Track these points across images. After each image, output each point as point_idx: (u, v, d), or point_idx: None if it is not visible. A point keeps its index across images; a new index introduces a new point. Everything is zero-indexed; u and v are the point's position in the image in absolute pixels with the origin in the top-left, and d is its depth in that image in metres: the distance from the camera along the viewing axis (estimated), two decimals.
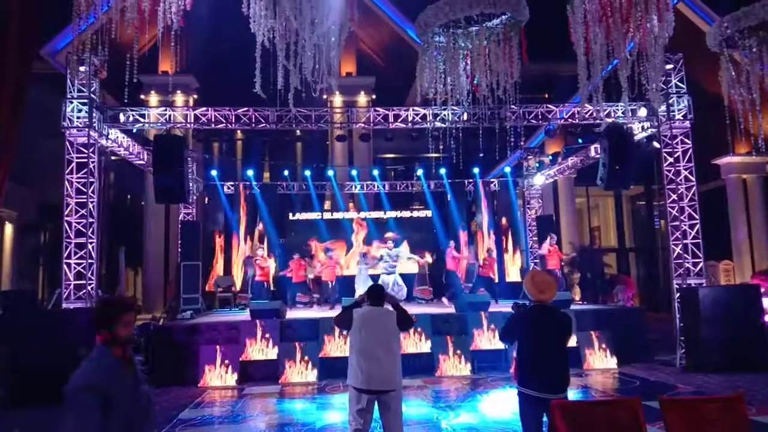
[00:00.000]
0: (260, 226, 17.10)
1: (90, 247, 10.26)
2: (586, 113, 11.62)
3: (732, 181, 20.65)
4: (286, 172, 17.90)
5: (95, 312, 2.76)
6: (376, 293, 5.16)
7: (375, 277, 13.77)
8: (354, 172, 17.83)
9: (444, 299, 14.01)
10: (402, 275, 13.77)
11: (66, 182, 10.40)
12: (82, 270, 10.19)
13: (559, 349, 4.21)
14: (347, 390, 5.02)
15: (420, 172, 17.81)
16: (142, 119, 11.24)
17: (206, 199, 17.59)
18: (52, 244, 21.52)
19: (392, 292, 12.03)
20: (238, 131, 19.45)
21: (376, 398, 4.83)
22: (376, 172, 17.76)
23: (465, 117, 10.84)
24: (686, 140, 11.39)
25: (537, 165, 16.53)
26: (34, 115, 15.37)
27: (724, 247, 20.07)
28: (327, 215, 18.00)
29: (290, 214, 17.77)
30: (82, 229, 10.27)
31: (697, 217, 11.20)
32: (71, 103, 10.42)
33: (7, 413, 8.41)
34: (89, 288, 10.13)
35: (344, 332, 5.77)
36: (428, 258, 14.81)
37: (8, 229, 23.48)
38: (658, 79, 7.13)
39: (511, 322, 4.47)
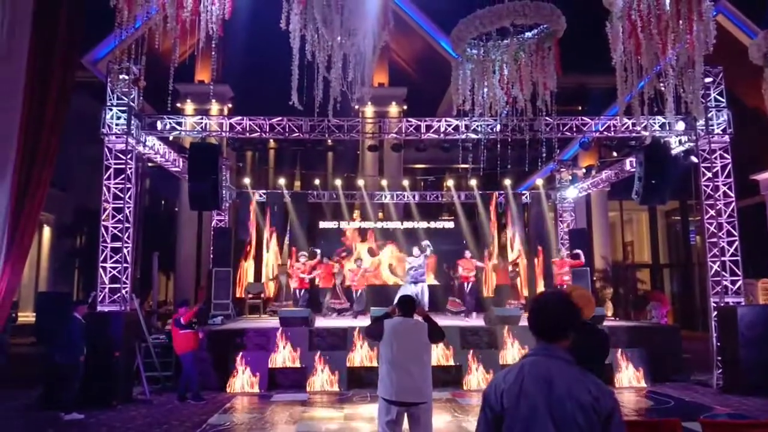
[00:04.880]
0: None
1: (125, 251, 10.45)
2: (622, 126, 11.44)
3: None
4: (317, 181, 18.03)
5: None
6: (407, 304, 5.14)
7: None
8: (384, 182, 17.85)
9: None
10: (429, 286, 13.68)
11: (104, 187, 10.62)
12: (117, 274, 10.38)
13: (597, 367, 4.12)
14: (375, 400, 5.00)
15: (450, 182, 17.74)
16: (178, 127, 11.45)
17: (238, 207, 17.79)
18: (87, 247, 22.01)
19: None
20: (271, 141, 19.80)
21: (405, 410, 4.79)
22: (406, 183, 17.76)
23: (498, 128, 10.78)
24: (725, 155, 11.13)
25: (570, 178, 16.33)
26: (72, 122, 15.78)
27: (763, 265, 19.48)
28: (356, 224, 18.03)
29: (320, 223, 17.86)
30: (118, 233, 10.47)
31: (735, 233, 10.91)
32: (111, 110, 10.66)
33: (42, 414, 8.58)
34: (123, 291, 10.31)
35: (375, 343, 5.74)
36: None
37: (46, 232, 24.14)
38: (698, 91, 6.96)
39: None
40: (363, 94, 6.59)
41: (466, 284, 13.64)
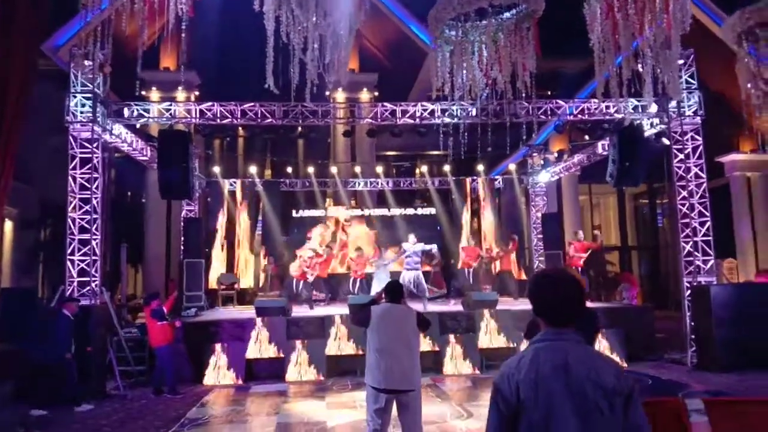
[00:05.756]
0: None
1: (94, 243, 10.10)
2: (595, 109, 11.47)
3: (736, 179, 20.51)
4: (289, 169, 17.78)
5: None
6: (395, 289, 5.04)
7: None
8: (357, 169, 17.69)
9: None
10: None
11: (69, 178, 10.24)
12: (85, 267, 10.04)
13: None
14: (356, 388, 4.92)
15: (425, 168, 17.71)
16: (146, 114, 11.08)
17: (208, 196, 17.42)
18: (52, 241, 21.37)
19: (414, 291, 11.79)
20: (240, 129, 19.39)
21: (394, 398, 4.71)
22: (379, 169, 17.63)
23: (474, 113, 10.69)
24: (696, 136, 11.27)
25: (542, 162, 16.40)
26: (35, 112, 15.21)
27: (727, 246, 19.95)
28: (330, 212, 17.88)
29: (294, 211, 17.63)
30: (85, 225, 10.11)
31: (707, 214, 11.07)
32: (75, 97, 10.25)
33: (13, 410, 8.25)
34: (93, 285, 9.98)
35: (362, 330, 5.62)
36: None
37: (8, 226, 23.30)
38: (676, 70, 6.98)
39: (535, 322, 4.35)
40: (340, 77, 6.41)
41: (466, 270, 13.66)
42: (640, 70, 7.37)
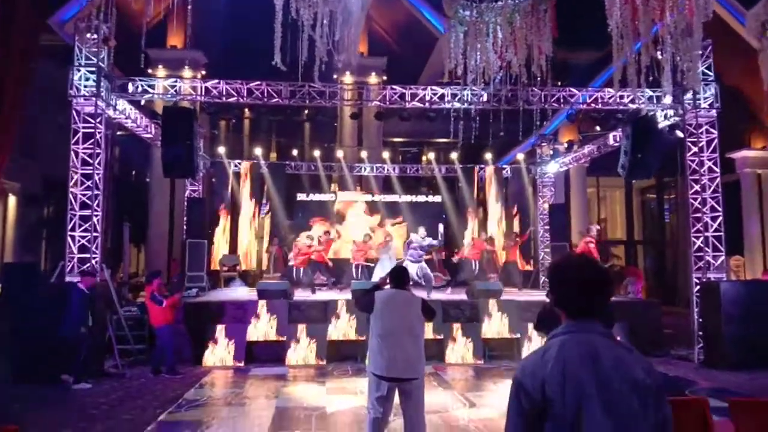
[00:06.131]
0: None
1: (95, 219, 9.96)
2: (609, 98, 11.22)
3: (747, 176, 20.21)
4: (294, 152, 17.59)
5: None
6: (400, 275, 4.88)
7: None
8: (364, 154, 17.48)
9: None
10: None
11: (72, 153, 10.08)
12: (86, 243, 9.91)
13: None
14: (357, 374, 4.77)
15: (432, 155, 17.51)
16: (151, 90, 10.88)
17: (212, 177, 17.25)
18: (55, 217, 21.27)
19: (421, 282, 11.66)
20: (246, 109, 19.18)
21: (397, 386, 4.56)
22: (386, 154, 17.41)
23: (485, 98, 10.44)
24: (711, 130, 11.02)
25: (551, 152, 16.16)
26: (40, 88, 15.05)
27: (735, 243, 19.70)
28: (334, 196, 17.73)
29: (298, 195, 17.46)
30: (87, 201, 9.97)
31: (719, 209, 10.85)
32: (78, 71, 10.06)
33: (11, 388, 8.17)
34: (93, 261, 9.85)
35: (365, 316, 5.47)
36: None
37: (11, 201, 23.24)
38: (696, 59, 6.75)
39: (546, 312, 4.18)
40: (350, 55, 6.21)
41: (474, 262, 13.50)
42: (659, 57, 7.13)
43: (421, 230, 12.88)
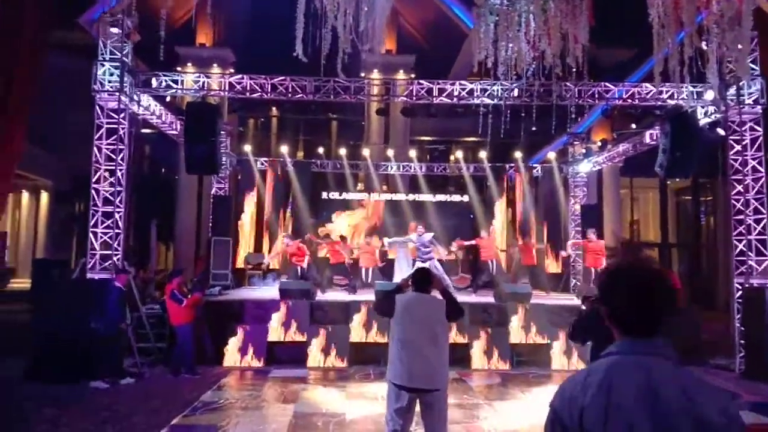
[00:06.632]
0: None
1: (117, 216, 9.86)
2: (646, 94, 10.71)
3: None
4: (320, 150, 17.39)
5: None
6: (423, 277, 4.56)
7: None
8: (390, 152, 17.16)
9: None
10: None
11: (95, 148, 10.01)
12: (108, 240, 9.82)
13: None
14: (378, 378, 4.46)
15: (459, 154, 17.12)
16: (174, 85, 10.73)
17: (238, 175, 17.14)
18: (85, 213, 21.43)
19: None
20: (273, 108, 19.05)
21: (417, 397, 4.24)
22: (413, 153, 17.06)
23: (516, 93, 10.03)
24: (756, 127, 10.41)
25: (584, 151, 15.62)
26: (71, 86, 15.11)
27: None
28: (361, 195, 17.47)
29: (324, 193, 17.23)
30: (109, 197, 9.89)
31: (764, 211, 10.27)
32: (102, 66, 9.98)
33: (23, 386, 8.08)
34: (115, 258, 9.75)
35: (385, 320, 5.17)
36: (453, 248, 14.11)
37: (44, 198, 23.61)
38: (746, 48, 6.28)
39: (581, 321, 3.83)
40: (375, 45, 5.91)
41: (490, 263, 13.07)
42: (704, 48, 6.67)
43: (419, 227, 12.71)
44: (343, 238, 15.08)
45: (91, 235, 9.85)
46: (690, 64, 7.39)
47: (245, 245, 16.26)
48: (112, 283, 8.79)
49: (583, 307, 3.88)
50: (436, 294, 4.57)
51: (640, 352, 1.52)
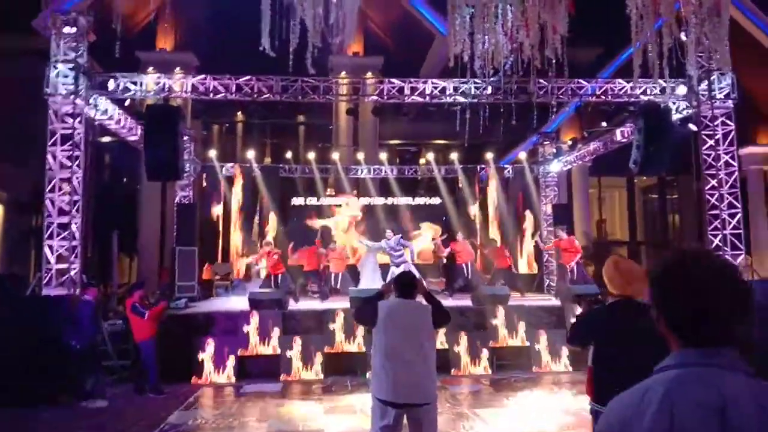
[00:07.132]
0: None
1: (74, 227, 9.28)
2: (619, 90, 10.60)
3: (753, 173, 19.73)
4: (288, 155, 16.95)
5: None
6: (407, 282, 4.22)
7: (384, 266, 12.89)
8: (360, 155, 16.83)
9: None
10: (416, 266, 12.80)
11: (49, 155, 9.40)
12: (65, 252, 9.22)
13: (653, 357, 3.27)
14: (356, 389, 4.09)
15: (430, 156, 16.89)
16: (133, 86, 10.16)
17: (203, 182, 16.57)
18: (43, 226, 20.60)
19: None
20: (239, 113, 18.52)
21: (405, 413, 3.89)
22: (383, 156, 16.76)
23: (489, 90, 9.79)
24: (728, 122, 10.43)
25: (554, 151, 15.55)
26: (28, 93, 14.39)
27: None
28: (330, 200, 17.06)
29: (292, 199, 16.79)
30: (65, 207, 9.29)
31: (738, 205, 10.27)
32: (55, 68, 9.40)
33: None
34: (72, 273, 9.16)
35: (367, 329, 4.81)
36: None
37: None
38: (725, 38, 6.15)
39: (583, 323, 3.54)
40: (345, 37, 5.58)
41: (465, 266, 12.83)
42: (683, 38, 6.52)
43: (388, 232, 12.67)
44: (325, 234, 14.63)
45: (46, 248, 9.24)
46: (665, 58, 7.27)
47: (212, 255, 15.71)
48: (83, 299, 8.50)
49: (579, 309, 3.60)
50: (421, 299, 4.24)
51: (706, 364, 1.22)
